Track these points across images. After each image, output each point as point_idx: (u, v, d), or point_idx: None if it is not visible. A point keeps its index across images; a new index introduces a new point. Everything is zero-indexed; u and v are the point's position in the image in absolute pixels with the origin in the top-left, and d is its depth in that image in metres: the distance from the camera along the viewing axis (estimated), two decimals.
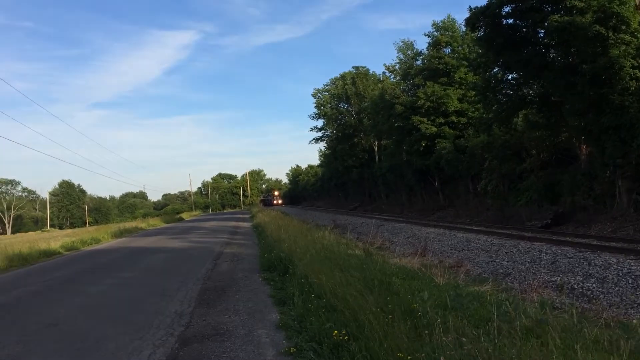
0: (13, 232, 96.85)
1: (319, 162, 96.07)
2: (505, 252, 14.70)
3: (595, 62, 18.71)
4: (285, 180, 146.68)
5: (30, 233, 73.30)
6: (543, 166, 25.90)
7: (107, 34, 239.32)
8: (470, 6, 23.02)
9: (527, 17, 21.39)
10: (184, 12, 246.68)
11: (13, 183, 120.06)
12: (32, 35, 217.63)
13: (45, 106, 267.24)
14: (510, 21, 22.61)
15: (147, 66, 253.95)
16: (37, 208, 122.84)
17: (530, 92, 24.93)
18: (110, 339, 6.68)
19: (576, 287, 10.37)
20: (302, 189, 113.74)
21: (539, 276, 11.43)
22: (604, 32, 18.47)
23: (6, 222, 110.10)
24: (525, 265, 12.88)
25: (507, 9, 22.24)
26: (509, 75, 24.95)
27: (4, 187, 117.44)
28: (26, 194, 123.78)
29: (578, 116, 20.56)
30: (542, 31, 22.03)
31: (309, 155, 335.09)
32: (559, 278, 11.08)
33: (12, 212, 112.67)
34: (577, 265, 11.83)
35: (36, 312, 8.85)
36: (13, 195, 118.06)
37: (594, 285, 10.29)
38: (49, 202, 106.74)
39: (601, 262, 11.56)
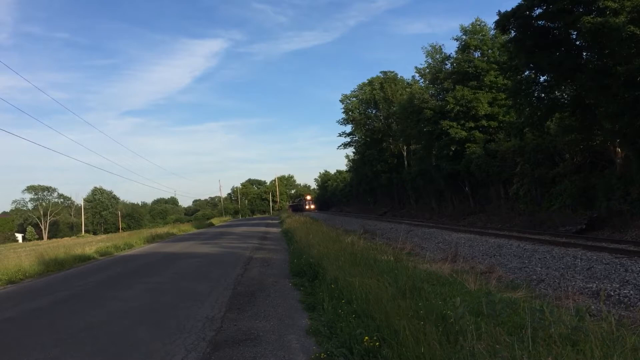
0: (49, 238, 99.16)
1: (346, 167, 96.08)
2: (539, 258, 14.42)
3: (630, 64, 18.23)
4: (313, 185, 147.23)
5: (65, 239, 74.97)
6: (577, 170, 25.31)
7: (139, 43, 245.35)
8: (499, 10, 22.82)
9: (558, 19, 20.96)
10: (213, 21, 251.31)
11: (49, 190, 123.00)
12: (67, 46, 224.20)
13: (79, 114, 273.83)
14: (541, 23, 22.19)
15: (177, 74, 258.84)
16: (72, 214, 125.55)
17: (564, 94, 24.42)
18: (143, 343, 6.80)
19: (613, 294, 10.10)
20: (330, 195, 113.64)
21: (573, 283, 11.18)
22: (638, 32, 18.02)
23: (42, 228, 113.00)
24: (560, 271, 12.60)
25: (537, 10, 21.88)
26: (540, 78, 24.49)
27: (40, 193, 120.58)
28: (62, 200, 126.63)
29: (613, 119, 20.03)
30: (575, 33, 21.58)
31: (338, 160, 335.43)
32: (595, 285, 10.81)
33: (49, 218, 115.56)
34: (613, 271, 11.53)
35: (72, 315, 9.07)
36: (49, 202, 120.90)
37: (631, 292, 10.00)
38: (84, 209, 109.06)
39: (638, 268, 11.24)
